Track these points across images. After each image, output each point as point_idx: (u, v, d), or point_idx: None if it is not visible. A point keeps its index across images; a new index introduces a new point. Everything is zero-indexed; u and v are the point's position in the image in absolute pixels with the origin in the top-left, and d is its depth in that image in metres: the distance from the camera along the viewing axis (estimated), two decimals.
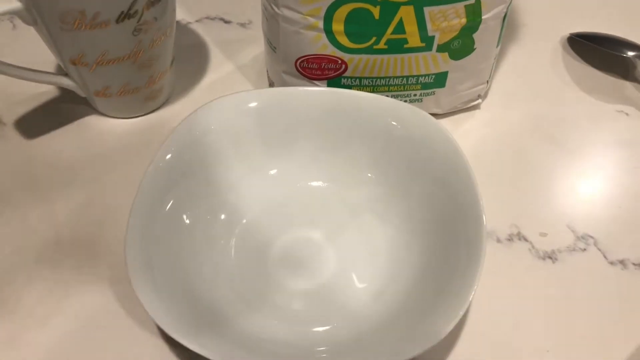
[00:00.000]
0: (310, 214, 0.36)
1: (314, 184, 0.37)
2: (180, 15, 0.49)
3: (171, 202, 0.32)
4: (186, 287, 0.31)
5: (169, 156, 0.33)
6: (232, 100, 0.35)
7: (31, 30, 0.37)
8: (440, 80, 0.38)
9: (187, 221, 0.33)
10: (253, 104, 0.36)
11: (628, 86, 0.44)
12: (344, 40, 0.35)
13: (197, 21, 0.49)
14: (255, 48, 0.46)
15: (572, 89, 0.44)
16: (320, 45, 0.36)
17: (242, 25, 0.49)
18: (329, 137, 0.37)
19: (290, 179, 0.37)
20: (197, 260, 0.32)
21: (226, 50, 0.47)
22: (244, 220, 0.35)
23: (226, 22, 0.49)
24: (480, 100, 0.42)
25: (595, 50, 0.46)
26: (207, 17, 0.49)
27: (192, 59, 0.46)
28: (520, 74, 0.45)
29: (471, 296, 0.29)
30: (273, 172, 0.37)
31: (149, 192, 0.31)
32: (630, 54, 0.44)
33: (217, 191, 0.35)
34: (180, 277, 0.31)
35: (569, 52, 0.47)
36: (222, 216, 0.35)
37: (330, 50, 0.36)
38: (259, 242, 0.35)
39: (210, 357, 0.27)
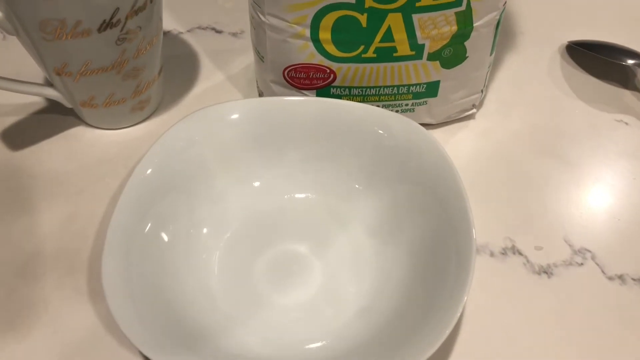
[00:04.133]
0: (296, 227, 0.35)
1: (301, 195, 0.36)
2: (171, 25, 0.48)
3: (151, 217, 0.31)
4: (167, 305, 0.30)
5: (149, 170, 0.32)
6: (217, 111, 0.35)
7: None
8: (432, 89, 0.37)
9: (168, 237, 0.32)
10: (238, 115, 0.35)
11: (627, 95, 0.43)
12: (331, 48, 0.34)
13: (188, 31, 0.48)
14: (247, 58, 0.46)
15: (570, 98, 0.43)
16: (308, 54, 0.35)
17: (234, 34, 0.48)
18: (316, 147, 0.36)
19: (277, 191, 0.36)
20: (178, 277, 0.31)
21: (217, 60, 0.46)
22: (228, 234, 0.34)
23: (217, 31, 0.49)
24: (474, 110, 0.41)
25: (593, 58, 0.45)
26: (199, 27, 0.49)
27: (182, 69, 0.46)
28: (516, 83, 0.44)
29: (459, 313, 0.28)
30: (259, 183, 0.36)
31: (127, 208, 0.30)
32: (630, 62, 0.43)
33: (200, 204, 0.34)
34: (161, 295, 0.30)
35: (567, 60, 0.46)
36: (205, 230, 0.34)
37: (318, 59, 0.35)
38: (244, 256, 0.34)
39: None
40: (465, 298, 0.28)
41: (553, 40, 0.47)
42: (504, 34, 0.47)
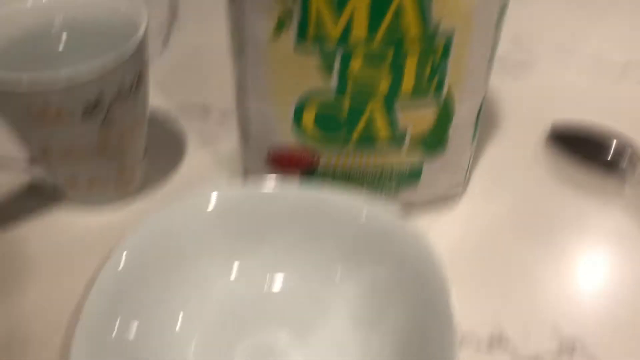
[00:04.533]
0: (277, 315, 0.34)
1: (281, 282, 0.35)
2: (160, 102, 0.49)
3: (123, 313, 0.30)
4: None
5: (121, 265, 0.31)
6: (195, 202, 0.34)
7: None
8: (415, 174, 0.37)
9: (141, 333, 0.31)
10: (217, 205, 0.35)
11: (612, 181, 0.43)
12: (314, 133, 0.34)
13: (177, 109, 0.49)
14: (233, 137, 0.46)
15: (555, 182, 0.43)
16: (291, 137, 0.35)
17: (222, 113, 0.49)
18: (296, 235, 0.35)
19: (257, 277, 0.35)
20: None
21: (204, 139, 0.46)
22: (204, 326, 0.33)
23: (206, 110, 0.49)
24: (458, 194, 0.41)
25: (577, 142, 0.45)
26: (188, 105, 0.49)
27: (168, 148, 0.46)
28: (501, 167, 0.44)
29: None
30: (237, 272, 0.35)
31: (97, 304, 0.29)
32: (612, 147, 0.43)
33: (175, 296, 0.33)
34: None
35: (550, 146, 0.46)
36: (180, 322, 0.33)
37: (301, 142, 0.35)
38: (222, 349, 0.33)
39: None
40: None
41: (537, 123, 0.47)
42: (487, 118, 0.47)
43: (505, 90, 0.50)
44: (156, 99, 0.48)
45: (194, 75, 0.53)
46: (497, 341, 0.34)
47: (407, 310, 0.32)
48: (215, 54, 0.51)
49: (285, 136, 0.35)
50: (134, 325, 0.31)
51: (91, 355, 0.28)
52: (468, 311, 0.35)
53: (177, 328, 0.33)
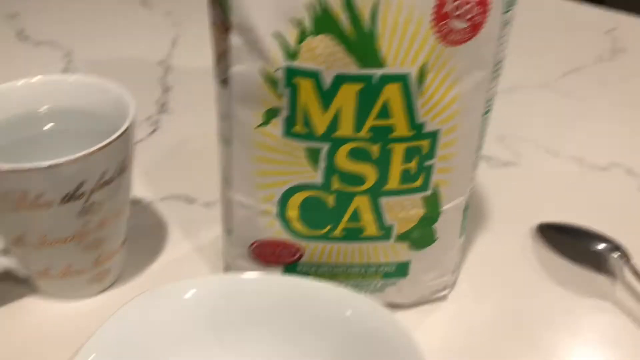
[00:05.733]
0: None
1: None
2: (143, 192, 0.48)
3: None
4: None
5: (92, 357, 0.29)
6: (170, 291, 0.33)
7: None
8: (402, 269, 0.36)
9: None
10: (193, 295, 0.33)
11: (602, 279, 0.43)
12: (298, 226, 0.34)
13: (160, 199, 0.48)
14: (216, 229, 0.45)
15: (544, 281, 0.42)
16: (275, 231, 0.34)
17: (206, 205, 0.48)
18: (278, 328, 0.34)
19: None
20: None
21: (186, 230, 0.45)
22: None
23: (190, 201, 0.48)
24: (447, 291, 0.40)
25: (565, 240, 0.44)
26: (171, 196, 0.49)
27: (149, 238, 0.45)
28: (489, 264, 0.43)
29: None
30: None
31: None
32: (600, 247, 0.43)
33: None
34: None
35: (538, 242, 0.45)
36: None
37: (285, 236, 0.34)
38: None
39: None
40: None
41: (524, 222, 0.47)
42: (475, 214, 0.47)
43: (492, 187, 0.50)
44: (140, 187, 0.48)
45: (180, 164, 0.53)
46: None
47: None
48: (202, 145, 0.51)
49: (269, 230, 0.34)
50: None
51: None
52: None
53: None
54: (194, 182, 0.50)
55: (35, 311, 0.39)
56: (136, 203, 0.47)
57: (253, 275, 0.34)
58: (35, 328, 0.38)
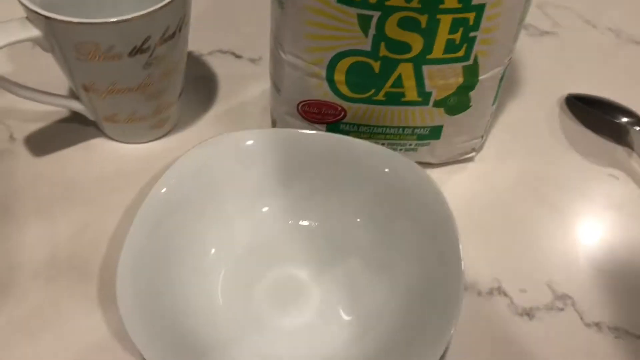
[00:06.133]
0: (298, 253, 0.37)
1: (305, 223, 0.38)
2: (194, 47, 0.51)
3: (164, 236, 0.33)
4: (173, 320, 0.32)
5: (164, 190, 0.34)
6: (231, 139, 0.37)
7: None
8: (435, 132, 0.40)
9: (179, 256, 0.34)
10: (252, 143, 0.37)
11: (620, 150, 0.46)
12: (344, 89, 0.37)
13: (209, 54, 0.51)
14: (263, 84, 0.48)
15: (565, 149, 0.46)
16: (322, 92, 0.37)
17: (253, 61, 0.51)
18: (323, 179, 0.38)
19: (282, 217, 0.38)
20: (185, 294, 0.33)
21: (234, 85, 0.49)
22: (234, 256, 0.37)
23: (237, 56, 0.51)
24: (474, 154, 0.43)
25: (590, 112, 0.47)
26: (219, 51, 0.51)
27: (200, 91, 0.48)
28: (516, 131, 0.46)
29: (444, 347, 0.30)
30: (265, 209, 0.38)
31: (143, 223, 0.32)
32: (624, 119, 0.45)
33: (210, 227, 0.36)
34: (169, 310, 0.32)
35: (565, 112, 0.48)
36: (213, 250, 0.36)
37: (331, 97, 0.37)
38: (247, 278, 0.36)
39: None
40: (452, 332, 0.30)
41: (554, 92, 0.49)
42: (507, 83, 0.49)
43: (528, 56, 0.52)
44: (190, 43, 0.50)
45: (226, 20, 0.54)
46: (496, 291, 0.37)
47: (419, 257, 0.35)
48: (249, 1, 0.53)
49: (316, 91, 0.37)
50: (174, 247, 0.34)
51: (136, 262, 0.31)
52: (472, 263, 0.38)
53: (210, 257, 0.36)
54: (240, 38, 0.52)
55: (103, 150, 0.44)
56: (187, 56, 0.50)
57: (302, 131, 0.38)
58: (104, 164, 0.43)
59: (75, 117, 0.44)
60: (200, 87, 0.48)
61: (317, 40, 0.35)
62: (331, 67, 0.36)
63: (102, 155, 0.43)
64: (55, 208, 0.40)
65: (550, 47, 0.53)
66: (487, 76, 0.37)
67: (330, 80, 0.36)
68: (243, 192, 0.37)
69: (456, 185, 0.43)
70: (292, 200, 0.38)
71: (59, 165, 0.42)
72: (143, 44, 0.37)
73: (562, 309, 0.37)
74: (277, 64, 0.38)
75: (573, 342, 0.36)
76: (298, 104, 0.39)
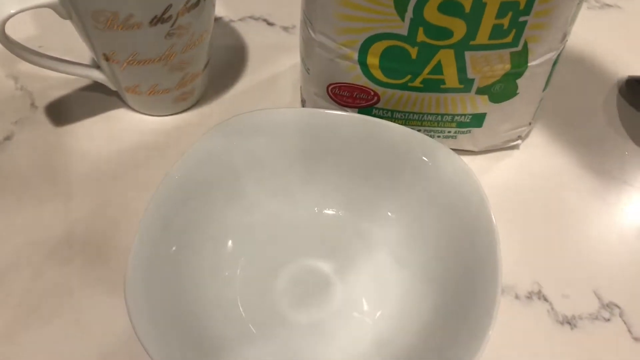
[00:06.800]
0: (322, 244, 0.35)
1: (331, 212, 0.36)
2: (223, 12, 0.48)
3: (179, 225, 0.31)
4: (186, 316, 0.30)
5: (179, 176, 0.32)
6: (255, 118, 0.34)
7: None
8: (477, 120, 0.36)
9: (195, 246, 0.32)
10: (276, 124, 0.34)
11: None
12: (378, 74, 0.34)
13: (240, 20, 0.48)
14: (296, 56, 0.45)
15: (622, 138, 0.42)
16: (354, 76, 0.34)
17: (285, 29, 0.48)
18: (353, 165, 0.35)
19: (307, 204, 0.36)
20: (200, 288, 0.32)
21: (265, 55, 0.46)
22: (255, 244, 0.34)
23: (269, 24, 0.48)
24: (520, 142, 0.40)
25: None
26: (251, 17, 0.48)
27: (228, 61, 0.45)
28: (568, 117, 0.42)
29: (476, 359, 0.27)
30: (290, 195, 0.36)
31: (156, 214, 0.31)
32: None
33: (230, 212, 0.34)
34: (182, 305, 0.30)
35: (624, 97, 0.44)
36: (231, 240, 0.34)
37: (364, 81, 0.34)
38: (267, 269, 0.34)
39: None
40: (487, 338, 0.28)
41: (613, 74, 0.45)
42: (563, 63, 0.45)
43: (587, 32, 0.47)
44: (219, 9, 0.47)
45: None
46: (536, 295, 0.35)
47: (452, 255, 0.32)
48: None
49: (348, 74, 0.34)
50: (190, 237, 0.32)
51: (149, 255, 0.30)
52: (510, 263, 0.35)
53: (228, 246, 0.34)
54: (273, 4, 0.49)
55: (125, 121, 0.42)
56: (215, 22, 0.47)
57: (334, 112, 0.34)
58: (125, 137, 0.41)
59: (98, 87, 0.43)
60: (229, 57, 0.46)
61: (349, 21, 0.32)
62: (364, 50, 0.32)
63: (124, 127, 0.41)
64: (73, 182, 0.39)
65: (612, 22, 0.48)
66: (537, 62, 0.33)
67: (363, 63, 0.33)
68: (266, 177, 0.35)
69: (499, 175, 0.39)
70: (318, 186, 0.36)
71: (79, 136, 0.41)
72: (164, 12, 0.34)
73: (608, 320, 0.34)
74: (306, 43, 0.35)
75: (618, 357, 0.33)
76: (328, 86, 0.36)
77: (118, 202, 0.38)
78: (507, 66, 0.33)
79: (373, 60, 0.33)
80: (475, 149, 0.39)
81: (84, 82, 0.43)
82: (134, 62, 0.37)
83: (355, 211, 0.36)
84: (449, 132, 0.37)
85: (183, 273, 0.31)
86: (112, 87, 0.41)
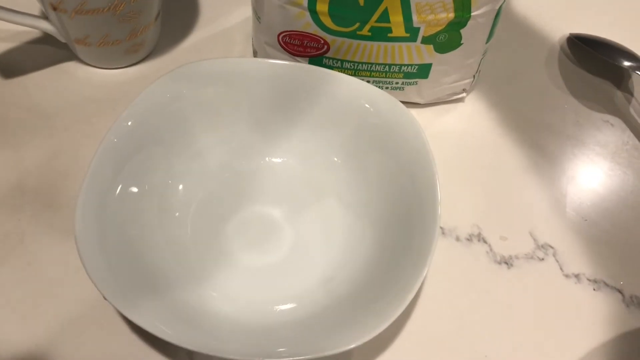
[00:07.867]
0: (272, 191, 0.36)
1: (280, 160, 0.37)
2: None
3: (129, 170, 0.32)
4: (135, 256, 0.31)
5: (130, 122, 0.32)
6: (205, 67, 0.35)
7: None
8: (423, 71, 0.38)
9: (144, 190, 0.33)
10: (226, 73, 0.35)
11: (619, 95, 0.44)
12: (327, 21, 0.34)
13: None
14: (247, 9, 0.45)
15: (562, 92, 0.43)
16: (304, 23, 0.35)
17: None
18: (301, 114, 0.36)
19: (257, 153, 0.37)
20: (149, 229, 0.32)
21: (217, 8, 0.46)
22: (205, 191, 0.35)
23: None
24: (464, 94, 0.41)
25: (591, 54, 0.45)
26: None
27: (181, 14, 0.45)
28: (511, 71, 0.44)
29: (412, 295, 0.29)
30: (239, 143, 0.36)
31: (105, 158, 0.31)
32: (626, 64, 0.43)
33: (179, 160, 0.35)
34: (131, 245, 0.31)
35: (565, 53, 0.46)
36: (181, 186, 0.35)
37: (313, 29, 0.35)
38: (218, 214, 0.35)
39: (140, 324, 0.27)
40: (424, 274, 0.29)
41: (555, 31, 0.47)
42: (506, 19, 0.46)
43: None
44: None
45: None
46: (476, 237, 0.36)
47: (396, 199, 0.34)
48: None
49: (298, 22, 0.35)
50: (140, 181, 0.33)
51: (98, 198, 0.30)
52: (452, 207, 0.37)
53: (178, 192, 0.35)
54: None
55: (75, 74, 0.41)
56: None
57: (282, 62, 0.35)
58: (76, 90, 0.41)
59: (46, 39, 0.42)
60: (181, 9, 0.45)
61: None
62: None
63: (74, 80, 0.41)
64: (23, 134, 0.38)
65: None
66: (480, 12, 0.34)
67: (312, 10, 0.34)
68: (215, 125, 0.36)
69: (443, 127, 0.41)
70: (269, 136, 0.37)
71: (28, 90, 0.40)
72: None
73: (542, 259, 0.36)
74: None
75: (550, 293, 0.35)
76: (279, 35, 0.37)
77: (69, 153, 0.38)
78: (451, 15, 0.34)
79: (322, 6, 0.33)
80: (422, 101, 0.40)
81: (33, 35, 0.43)
82: (82, 12, 0.37)
83: (303, 159, 0.37)
84: (397, 83, 0.38)
85: (132, 214, 0.32)
86: (62, 39, 0.40)
